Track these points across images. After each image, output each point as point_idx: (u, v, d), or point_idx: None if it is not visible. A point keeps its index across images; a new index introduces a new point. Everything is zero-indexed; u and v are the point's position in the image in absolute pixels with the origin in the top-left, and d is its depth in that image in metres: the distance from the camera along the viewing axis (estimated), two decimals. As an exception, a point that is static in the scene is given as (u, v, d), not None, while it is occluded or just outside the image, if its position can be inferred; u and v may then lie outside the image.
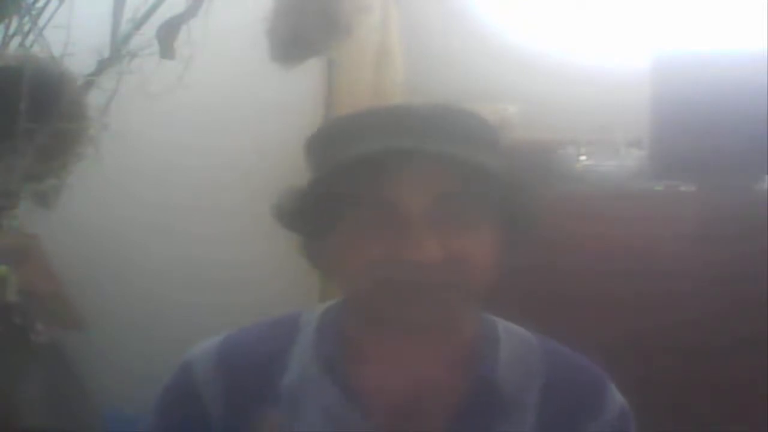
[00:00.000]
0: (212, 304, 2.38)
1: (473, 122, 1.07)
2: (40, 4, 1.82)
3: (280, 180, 1.13)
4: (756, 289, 1.99)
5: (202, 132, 2.52)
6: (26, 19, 1.81)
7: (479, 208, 1.04)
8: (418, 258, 1.00)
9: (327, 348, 1.11)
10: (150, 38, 1.85)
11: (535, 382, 1.11)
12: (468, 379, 1.09)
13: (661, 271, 2.05)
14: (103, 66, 1.87)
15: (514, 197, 1.06)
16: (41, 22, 1.82)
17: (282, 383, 1.11)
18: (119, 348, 2.46)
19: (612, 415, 1.11)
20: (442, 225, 1.02)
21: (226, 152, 2.49)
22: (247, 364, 1.13)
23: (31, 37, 1.81)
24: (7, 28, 1.82)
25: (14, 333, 2.01)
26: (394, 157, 1.00)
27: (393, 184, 1.02)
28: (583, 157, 2.25)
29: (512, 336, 1.15)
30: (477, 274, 1.05)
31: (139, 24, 1.88)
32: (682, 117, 2.11)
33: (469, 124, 1.06)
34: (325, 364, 1.10)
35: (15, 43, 1.83)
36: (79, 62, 1.87)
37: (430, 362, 1.10)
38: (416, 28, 2.55)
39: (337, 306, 1.15)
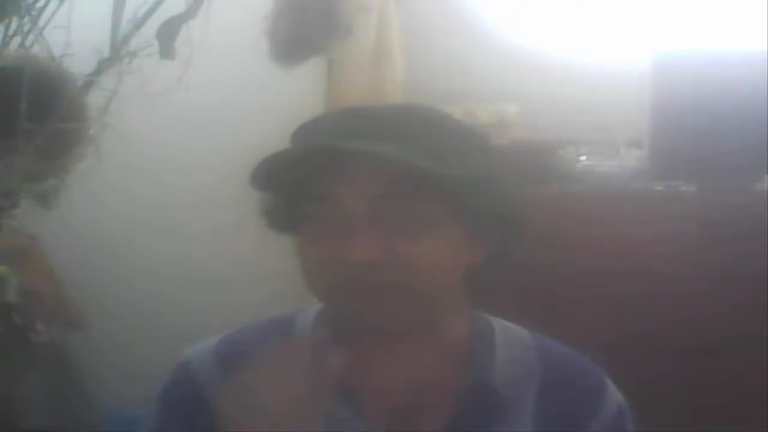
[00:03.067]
0: (213, 304, 2.38)
1: (438, 121, 1.06)
2: (40, 4, 1.82)
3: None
4: (756, 289, 1.99)
5: (202, 132, 2.53)
6: (26, 19, 1.81)
7: (431, 210, 1.03)
8: (356, 256, 1.00)
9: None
10: (150, 38, 1.85)
11: (532, 381, 1.11)
12: (464, 379, 1.09)
13: (661, 271, 2.05)
14: (103, 66, 1.87)
15: (483, 198, 1.04)
16: (41, 22, 1.82)
17: None
18: (119, 348, 2.46)
19: (610, 412, 1.11)
20: (384, 224, 1.01)
21: (225, 152, 2.49)
22: (245, 363, 1.13)
23: (31, 37, 1.81)
24: (7, 28, 1.82)
25: (14, 333, 2.01)
26: (332, 155, 1.00)
27: (334, 182, 1.02)
28: (583, 157, 2.24)
29: (508, 335, 1.15)
30: (427, 274, 1.03)
31: (139, 24, 1.88)
32: (682, 117, 2.11)
33: (430, 125, 1.05)
34: None
35: (15, 43, 1.83)
36: (79, 62, 1.87)
37: (423, 363, 1.09)
38: (416, 28, 2.55)
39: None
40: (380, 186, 1.01)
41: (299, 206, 1.06)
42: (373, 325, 1.05)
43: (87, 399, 2.22)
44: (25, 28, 1.80)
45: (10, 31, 1.82)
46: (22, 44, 1.82)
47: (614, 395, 1.13)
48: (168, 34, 1.84)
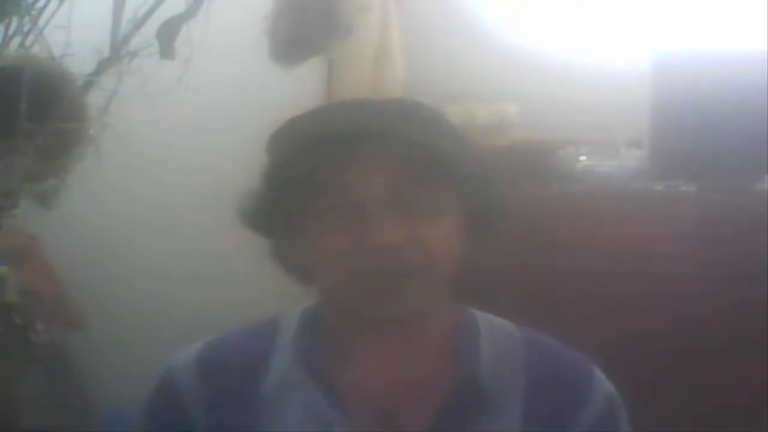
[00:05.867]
0: (212, 304, 2.38)
1: (432, 113, 1.08)
2: (40, 4, 1.82)
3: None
4: (756, 289, 1.99)
5: (202, 132, 2.53)
6: (26, 19, 1.81)
7: (440, 195, 1.04)
8: (378, 241, 1.01)
9: (307, 349, 1.10)
10: (150, 38, 1.86)
11: (519, 374, 1.10)
12: (450, 374, 1.09)
13: (661, 271, 2.05)
14: (103, 66, 1.88)
15: (477, 190, 1.07)
16: (41, 22, 1.82)
17: (263, 386, 1.10)
18: (119, 348, 2.46)
19: (599, 402, 1.10)
20: (401, 209, 1.02)
21: (225, 152, 2.49)
22: (228, 368, 1.12)
23: (31, 37, 1.81)
24: (7, 28, 1.82)
25: (14, 333, 2.01)
26: (349, 140, 1.01)
27: (349, 168, 1.02)
28: (583, 157, 2.24)
29: (493, 328, 1.14)
30: (440, 259, 1.05)
31: (139, 24, 1.89)
32: (682, 117, 2.11)
33: (427, 115, 1.07)
34: (306, 365, 1.09)
35: (15, 43, 1.83)
36: (79, 62, 1.87)
37: (410, 359, 1.09)
38: (416, 28, 2.55)
39: (315, 307, 1.15)
40: (396, 172, 1.02)
41: (304, 200, 1.05)
42: (383, 313, 1.05)
43: (87, 399, 2.22)
44: (25, 28, 1.81)
45: (10, 31, 1.82)
46: (22, 44, 1.82)
47: (603, 386, 1.12)
48: (168, 34, 1.84)
